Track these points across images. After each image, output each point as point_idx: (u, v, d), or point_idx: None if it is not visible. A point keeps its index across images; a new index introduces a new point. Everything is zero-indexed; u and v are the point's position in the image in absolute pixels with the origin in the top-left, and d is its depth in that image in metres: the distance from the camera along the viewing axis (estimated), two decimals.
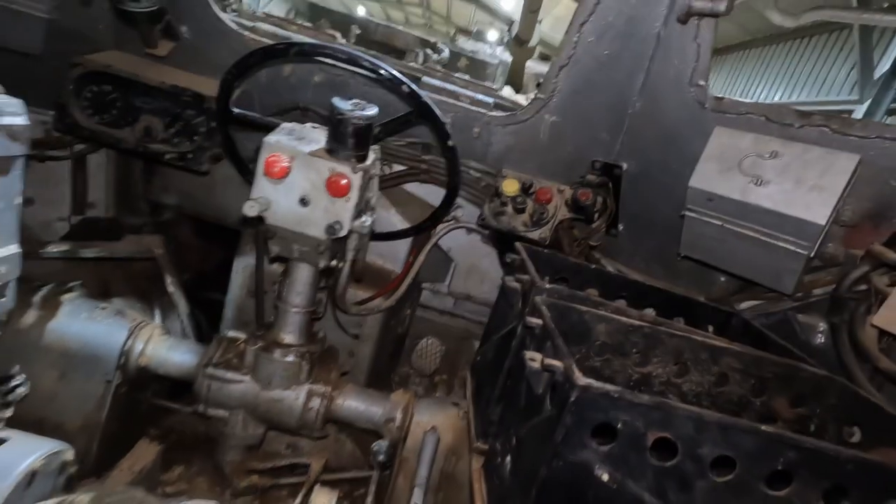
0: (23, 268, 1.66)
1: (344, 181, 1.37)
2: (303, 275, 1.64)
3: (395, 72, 1.37)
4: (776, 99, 14.66)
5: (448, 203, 1.77)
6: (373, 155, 1.47)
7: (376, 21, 2.33)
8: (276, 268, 2.06)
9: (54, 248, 1.75)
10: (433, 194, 2.25)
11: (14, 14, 1.57)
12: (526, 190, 1.92)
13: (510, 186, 1.92)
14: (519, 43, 7.99)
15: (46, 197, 2.21)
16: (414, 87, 1.40)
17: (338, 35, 2.23)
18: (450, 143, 1.54)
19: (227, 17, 1.86)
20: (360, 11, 25.10)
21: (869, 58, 11.37)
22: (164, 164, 1.95)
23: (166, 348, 1.73)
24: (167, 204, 2.52)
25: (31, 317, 1.63)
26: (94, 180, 2.26)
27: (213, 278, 3.02)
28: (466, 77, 2.23)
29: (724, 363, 1.39)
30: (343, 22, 2.37)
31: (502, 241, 2.14)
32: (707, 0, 1.38)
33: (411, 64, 2.21)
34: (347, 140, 1.35)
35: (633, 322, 1.35)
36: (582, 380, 0.88)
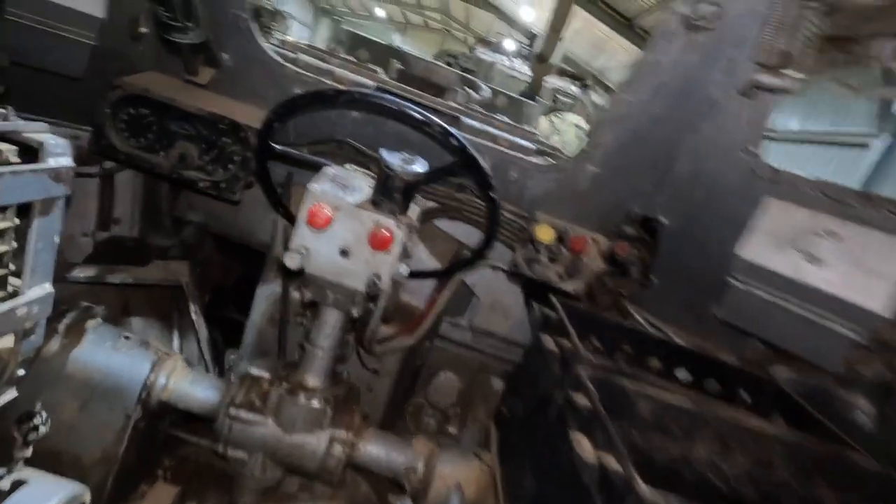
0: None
1: (387, 234, 1.33)
2: (333, 319, 1.60)
3: (447, 126, 1.33)
4: (793, 127, 14.56)
5: (484, 249, 1.74)
6: (416, 208, 1.44)
7: (416, 56, 2.30)
8: (299, 297, 2.03)
9: (81, 273, 1.72)
10: (461, 230, 2.22)
11: (61, 39, 1.55)
12: (560, 238, 1.88)
13: (545, 234, 1.89)
14: (541, 60, 8.00)
15: (72, 211, 2.19)
16: (463, 140, 1.37)
17: (379, 70, 2.20)
18: (493, 195, 1.50)
19: (269, 48, 1.83)
20: (380, 13, 25.16)
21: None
22: (197, 192, 1.92)
23: (189, 383, 1.70)
24: (192, 221, 2.49)
25: (55, 344, 1.60)
26: (120, 196, 2.24)
27: (232, 294, 2.99)
28: (506, 119, 2.20)
29: (767, 447, 1.34)
30: (382, 53, 2.34)
31: (531, 284, 2.10)
32: (776, 77, 1.34)
33: (451, 103, 2.18)
34: (394, 195, 1.32)
35: (677, 402, 1.31)
36: (646, 491, 0.84)
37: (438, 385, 2.51)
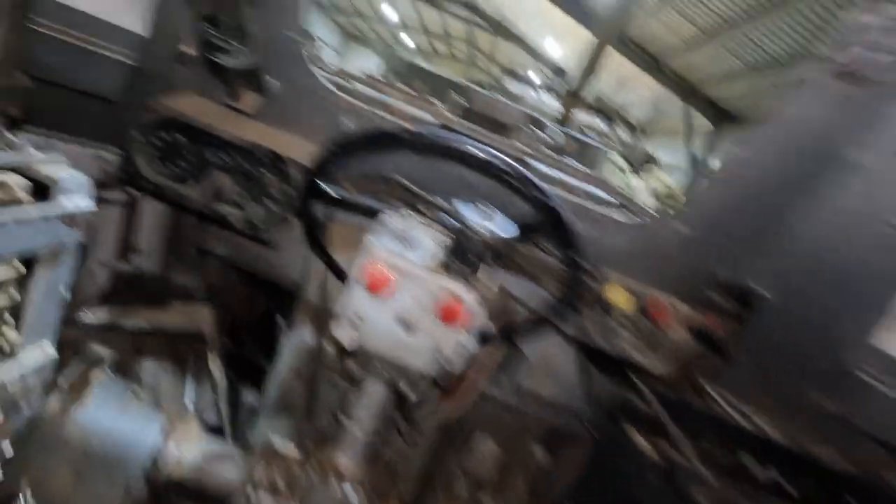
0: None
1: (461, 307, 1.10)
2: (380, 395, 1.36)
3: (536, 181, 1.11)
4: None
5: (557, 318, 1.49)
6: (491, 272, 1.21)
7: (476, 89, 2.13)
8: (332, 351, 1.80)
9: (93, 317, 1.50)
10: (510, 279, 1.98)
11: (96, 57, 1.37)
12: (640, 306, 1.63)
13: (621, 298, 1.63)
14: (574, 95, 7.91)
15: (90, 238, 2.00)
16: (554, 198, 1.14)
17: (438, 104, 2.01)
18: (580, 260, 1.26)
19: (322, 75, 1.65)
20: (408, 42, 25.61)
21: None
22: (228, 229, 1.72)
23: (202, 454, 1.45)
24: (217, 254, 2.29)
25: (54, 402, 1.37)
26: (144, 224, 2.04)
27: (256, 329, 2.77)
28: (579, 166, 1.99)
29: None
30: (440, 85, 2.18)
31: (596, 353, 1.84)
32: None
33: (517, 144, 1.98)
34: (472, 260, 1.09)
35: None
36: None
37: (477, 454, 2.23)
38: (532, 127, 2.13)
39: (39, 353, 1.01)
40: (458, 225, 1.12)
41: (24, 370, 0.97)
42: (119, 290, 1.88)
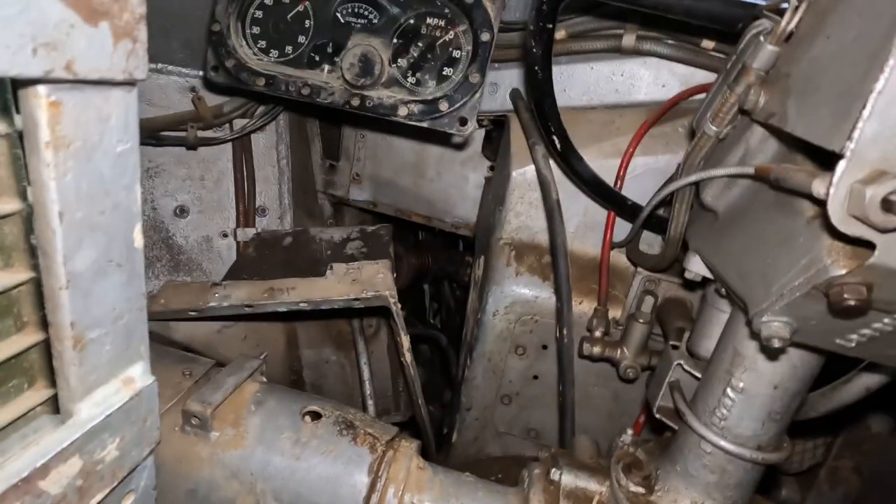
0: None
1: None
2: (802, 364, 0.62)
3: None
4: None
5: None
6: None
7: None
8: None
9: (225, 301, 0.94)
10: None
11: None
12: None
13: None
14: None
15: (202, 202, 1.49)
16: None
17: None
18: None
19: None
20: None
21: None
22: (392, 128, 1.06)
23: (438, 498, 0.84)
24: (357, 201, 1.69)
25: (196, 445, 0.82)
26: (262, 172, 1.49)
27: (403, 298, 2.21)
28: None
29: None
30: None
31: None
32: None
33: None
34: None
35: None
36: None
37: None
38: None
39: (116, 390, 0.41)
40: None
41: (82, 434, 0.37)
42: (250, 262, 1.34)
